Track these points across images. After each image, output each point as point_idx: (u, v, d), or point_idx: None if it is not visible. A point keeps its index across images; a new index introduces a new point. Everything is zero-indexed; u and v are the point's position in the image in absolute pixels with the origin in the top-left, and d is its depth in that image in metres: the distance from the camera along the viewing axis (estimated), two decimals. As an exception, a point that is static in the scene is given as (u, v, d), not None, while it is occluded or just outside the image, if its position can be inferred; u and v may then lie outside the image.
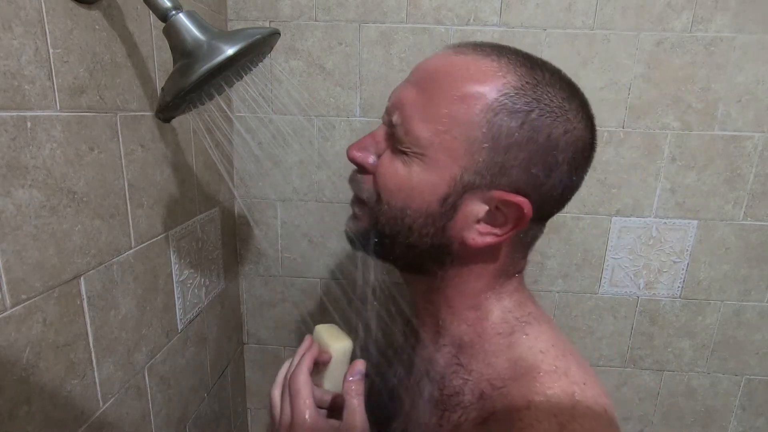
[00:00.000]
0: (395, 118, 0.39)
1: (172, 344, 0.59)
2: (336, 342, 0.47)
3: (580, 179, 0.40)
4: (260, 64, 0.43)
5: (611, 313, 0.81)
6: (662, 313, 0.80)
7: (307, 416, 0.40)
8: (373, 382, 0.50)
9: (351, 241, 0.46)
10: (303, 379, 0.42)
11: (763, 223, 0.75)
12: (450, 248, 0.41)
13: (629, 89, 0.70)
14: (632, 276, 0.79)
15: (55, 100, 0.37)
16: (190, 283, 0.63)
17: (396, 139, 0.39)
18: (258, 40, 0.37)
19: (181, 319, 0.61)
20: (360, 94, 0.73)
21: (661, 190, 0.74)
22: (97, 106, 0.42)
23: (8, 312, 0.34)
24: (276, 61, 0.72)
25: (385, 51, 0.71)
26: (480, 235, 0.39)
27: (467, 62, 0.37)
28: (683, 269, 0.78)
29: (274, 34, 0.40)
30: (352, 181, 0.44)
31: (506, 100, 0.36)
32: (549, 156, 0.37)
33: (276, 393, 0.45)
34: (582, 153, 0.39)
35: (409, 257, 0.43)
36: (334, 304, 0.83)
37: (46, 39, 0.36)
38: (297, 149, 0.76)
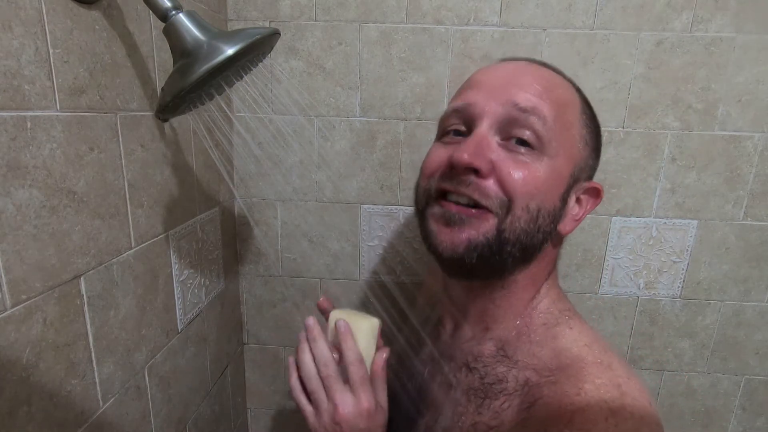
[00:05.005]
0: (536, 123, 0.39)
1: (172, 344, 0.59)
2: (362, 321, 0.45)
3: None
4: (260, 64, 0.43)
5: (611, 313, 0.81)
6: (662, 313, 0.80)
7: (373, 402, 0.42)
8: (395, 378, 0.50)
9: (456, 260, 0.40)
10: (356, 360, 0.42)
11: (763, 223, 0.75)
12: (548, 243, 0.43)
13: (629, 89, 0.70)
14: (632, 276, 0.79)
15: (55, 100, 0.37)
16: (190, 283, 0.63)
17: (524, 142, 0.39)
18: (258, 40, 0.37)
19: (181, 319, 0.61)
20: (360, 94, 0.73)
21: (661, 190, 0.74)
22: (97, 106, 0.42)
23: (8, 312, 0.34)
24: (276, 61, 0.72)
25: (385, 51, 0.71)
26: (571, 222, 0.43)
27: (552, 74, 0.44)
28: (683, 269, 0.78)
29: (274, 34, 0.41)
30: (466, 184, 0.39)
31: (584, 103, 0.44)
32: (600, 140, 0.46)
33: (302, 389, 0.44)
34: None
35: (511, 264, 0.42)
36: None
37: (46, 39, 0.36)
38: (297, 149, 0.76)
